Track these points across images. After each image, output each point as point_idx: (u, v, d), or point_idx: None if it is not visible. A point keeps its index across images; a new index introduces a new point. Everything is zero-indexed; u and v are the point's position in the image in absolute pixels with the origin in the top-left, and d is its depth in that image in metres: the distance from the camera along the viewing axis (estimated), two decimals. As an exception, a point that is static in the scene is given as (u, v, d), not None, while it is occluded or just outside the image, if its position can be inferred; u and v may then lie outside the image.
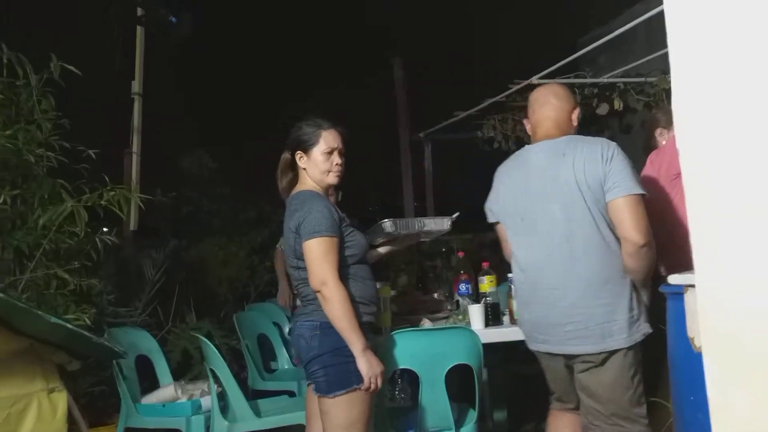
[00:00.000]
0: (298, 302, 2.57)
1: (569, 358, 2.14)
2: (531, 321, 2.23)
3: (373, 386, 2.08)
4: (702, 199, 0.90)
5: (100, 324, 3.26)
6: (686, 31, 0.96)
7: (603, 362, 2.03)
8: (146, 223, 4.93)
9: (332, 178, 2.28)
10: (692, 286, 1.61)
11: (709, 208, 0.89)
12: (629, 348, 2.01)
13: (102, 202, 3.04)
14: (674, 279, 1.72)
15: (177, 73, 5.79)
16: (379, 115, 6.46)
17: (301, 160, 2.28)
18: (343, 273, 2.16)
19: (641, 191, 2.00)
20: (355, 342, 2.07)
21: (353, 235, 2.25)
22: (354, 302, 2.15)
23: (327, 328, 2.13)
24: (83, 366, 2.93)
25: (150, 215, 4.91)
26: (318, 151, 2.26)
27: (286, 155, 2.34)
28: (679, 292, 1.68)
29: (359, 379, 2.09)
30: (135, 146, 4.47)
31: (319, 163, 2.26)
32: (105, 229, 3.44)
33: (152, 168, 4.66)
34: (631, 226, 1.95)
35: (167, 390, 3.14)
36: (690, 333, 1.64)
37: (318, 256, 2.10)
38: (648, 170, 2.65)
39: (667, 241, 2.20)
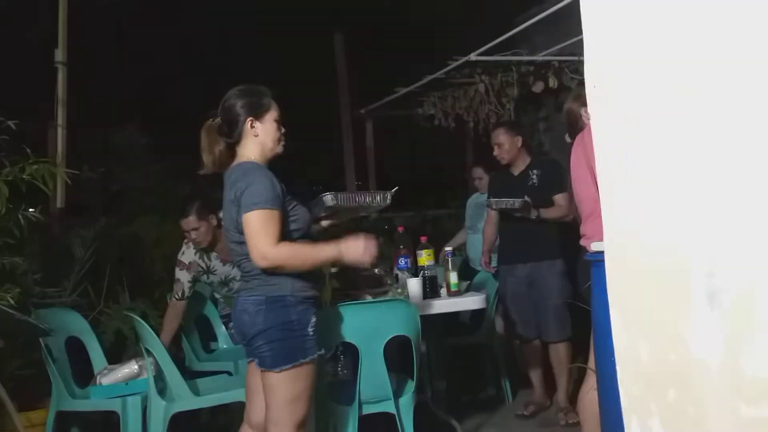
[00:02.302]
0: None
1: None
2: None
3: (371, 256, 2.17)
4: (611, 172, 0.95)
5: (26, 305, 3.11)
6: (600, 14, 1.01)
7: None
8: (75, 200, 4.70)
9: (281, 148, 2.22)
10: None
11: (617, 179, 0.94)
12: None
13: (24, 177, 2.88)
14: (596, 246, 1.80)
15: (105, 41, 5.51)
16: (318, 90, 6.37)
17: (254, 127, 2.17)
18: None
19: None
20: (328, 252, 2.16)
21: (297, 209, 2.20)
22: (298, 278, 2.13)
23: (272, 302, 2.11)
24: (10, 348, 2.81)
25: (78, 192, 4.68)
26: (270, 117, 2.19)
27: (213, 123, 2.20)
28: (602, 259, 1.76)
29: (304, 353, 2.09)
30: (60, 119, 4.23)
31: (271, 131, 2.19)
32: (32, 210, 3.28)
33: (79, 142, 4.43)
34: None
35: (128, 367, 3.04)
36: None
37: (257, 229, 2.04)
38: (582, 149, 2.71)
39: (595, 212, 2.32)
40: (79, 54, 4.32)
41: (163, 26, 5.63)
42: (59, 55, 4.19)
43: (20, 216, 2.97)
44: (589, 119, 2.91)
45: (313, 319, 2.14)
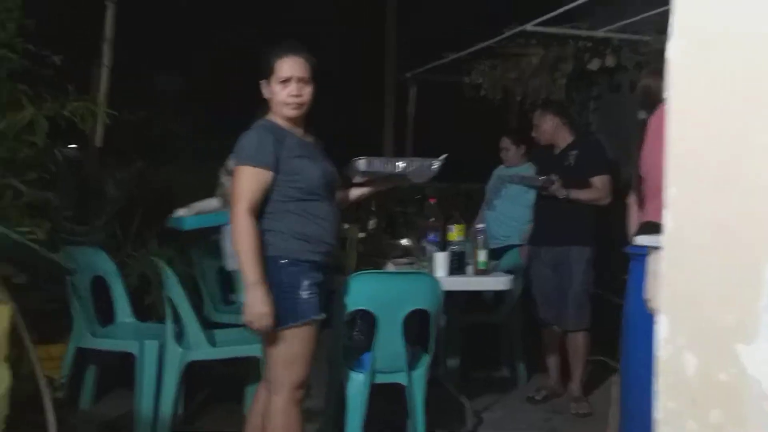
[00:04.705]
0: None
1: None
2: None
3: (255, 325, 2.03)
4: (682, 163, 0.84)
5: (55, 241, 3.16)
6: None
7: None
8: (114, 141, 4.74)
9: (290, 111, 2.15)
10: (657, 248, 1.57)
11: (689, 171, 0.82)
12: None
13: (65, 113, 2.88)
14: (640, 240, 1.68)
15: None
16: (361, 51, 6.21)
17: (265, 89, 2.18)
18: (286, 208, 2.10)
19: None
20: (247, 274, 2.03)
21: (303, 167, 2.13)
22: (296, 239, 2.09)
23: (267, 262, 2.08)
24: (37, 282, 2.85)
25: (118, 134, 4.71)
26: (275, 80, 2.14)
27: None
28: (643, 253, 1.65)
29: (296, 316, 2.07)
30: (105, 58, 4.23)
31: (276, 93, 2.14)
32: (73, 146, 3.31)
33: (123, 84, 4.43)
34: None
35: (211, 201, 3.16)
36: (646, 294, 1.63)
37: (236, 184, 2.07)
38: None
39: None
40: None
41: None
42: (110, -9, 4.16)
43: (56, 152, 2.99)
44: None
45: (306, 282, 2.08)
